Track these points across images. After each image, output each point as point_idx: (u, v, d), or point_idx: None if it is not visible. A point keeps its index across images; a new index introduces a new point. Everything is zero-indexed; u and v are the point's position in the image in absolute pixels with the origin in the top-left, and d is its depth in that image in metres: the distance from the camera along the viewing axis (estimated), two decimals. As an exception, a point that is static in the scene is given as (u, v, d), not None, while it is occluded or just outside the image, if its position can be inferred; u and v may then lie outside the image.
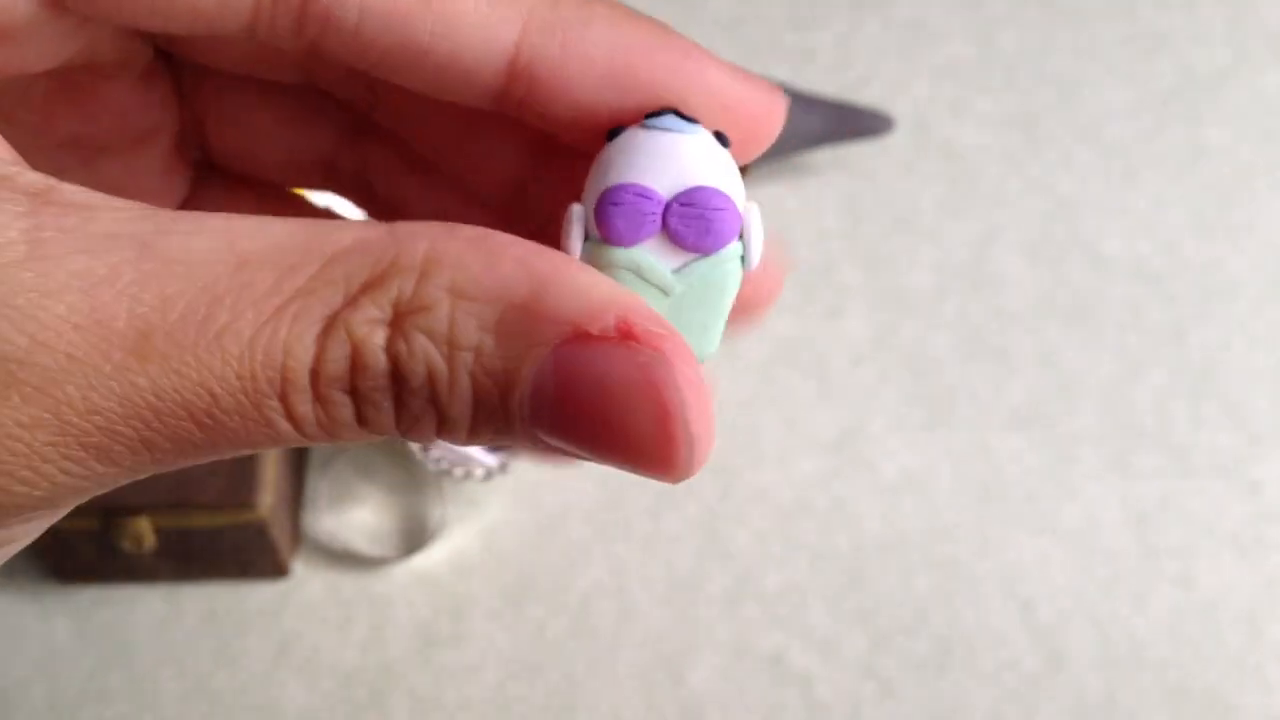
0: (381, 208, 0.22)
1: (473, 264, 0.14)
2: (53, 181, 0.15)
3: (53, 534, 0.50)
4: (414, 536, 0.54)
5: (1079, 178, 0.63)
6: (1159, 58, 0.66)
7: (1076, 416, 0.56)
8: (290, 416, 0.14)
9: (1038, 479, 0.55)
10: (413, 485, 0.55)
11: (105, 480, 0.15)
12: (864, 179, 0.63)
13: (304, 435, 0.15)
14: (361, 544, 0.54)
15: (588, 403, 0.14)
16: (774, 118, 0.17)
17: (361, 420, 0.15)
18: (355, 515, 0.55)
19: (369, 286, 0.14)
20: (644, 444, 0.14)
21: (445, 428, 0.15)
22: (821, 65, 0.67)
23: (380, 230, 0.15)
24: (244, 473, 0.49)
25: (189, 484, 0.49)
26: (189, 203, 0.22)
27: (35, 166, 0.18)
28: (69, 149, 0.20)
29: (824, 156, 0.63)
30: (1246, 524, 0.54)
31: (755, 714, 0.50)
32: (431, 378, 0.14)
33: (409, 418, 0.15)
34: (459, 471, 0.52)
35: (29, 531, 0.16)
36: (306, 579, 0.53)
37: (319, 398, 0.14)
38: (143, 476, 0.15)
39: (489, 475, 0.52)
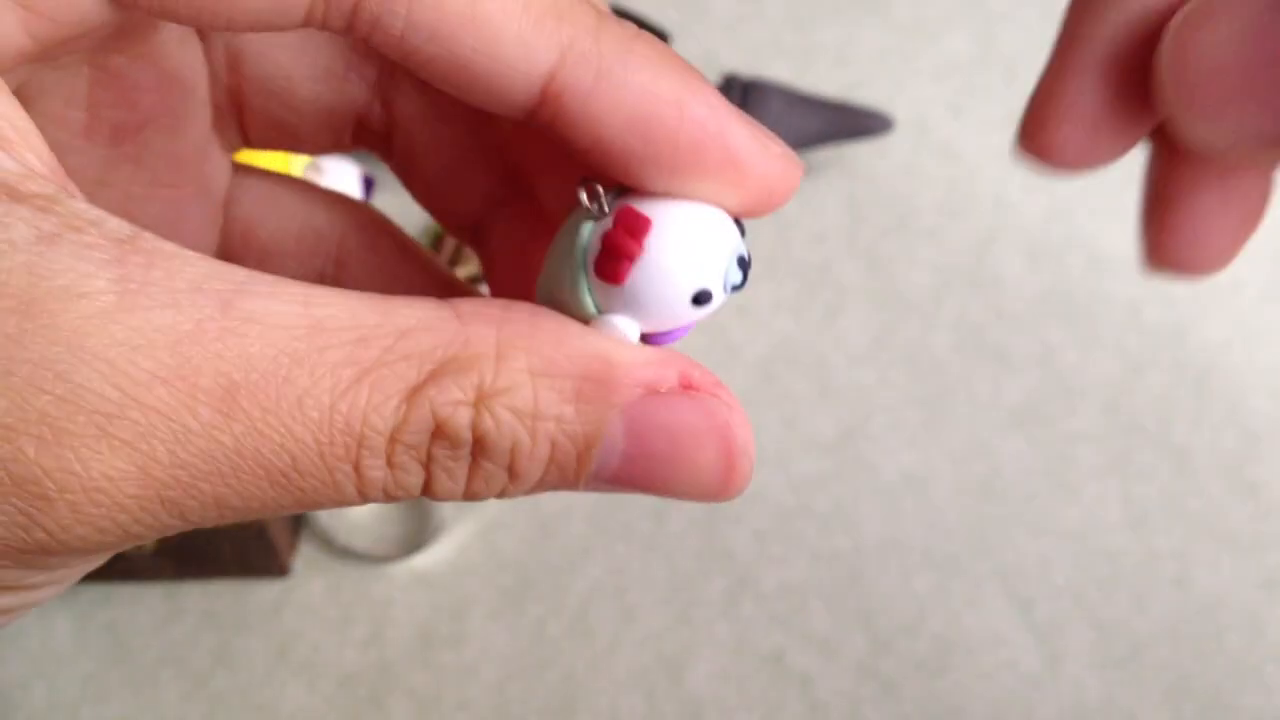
0: (402, 163, 0.23)
1: (544, 345, 0.16)
2: (136, 229, 0.15)
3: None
4: (414, 536, 0.54)
5: (1079, 178, 0.63)
6: (1159, 58, 0.66)
7: (1076, 416, 0.56)
8: (359, 480, 0.15)
9: (1038, 479, 0.55)
10: (413, 485, 0.55)
11: (168, 530, 0.15)
12: (864, 179, 0.63)
13: (365, 497, 0.16)
14: (361, 544, 0.54)
15: (660, 449, 0.16)
16: (788, 188, 0.18)
17: (428, 486, 0.16)
18: (355, 515, 0.55)
19: (448, 367, 0.15)
20: (710, 478, 0.16)
21: (514, 487, 0.16)
22: (821, 65, 0.67)
23: (444, 311, 0.16)
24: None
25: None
26: (234, 200, 0.22)
27: (89, 170, 0.19)
28: (116, 144, 0.20)
29: (824, 156, 0.63)
30: (1246, 524, 0.54)
31: (755, 714, 0.50)
32: (514, 448, 0.16)
33: (480, 481, 0.16)
34: (459, 471, 0.52)
35: (84, 570, 0.16)
36: (306, 579, 0.53)
37: (391, 464, 0.15)
38: (200, 526, 0.16)
39: (489, 475, 0.52)
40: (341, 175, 0.61)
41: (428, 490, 0.16)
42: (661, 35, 0.66)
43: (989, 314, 0.59)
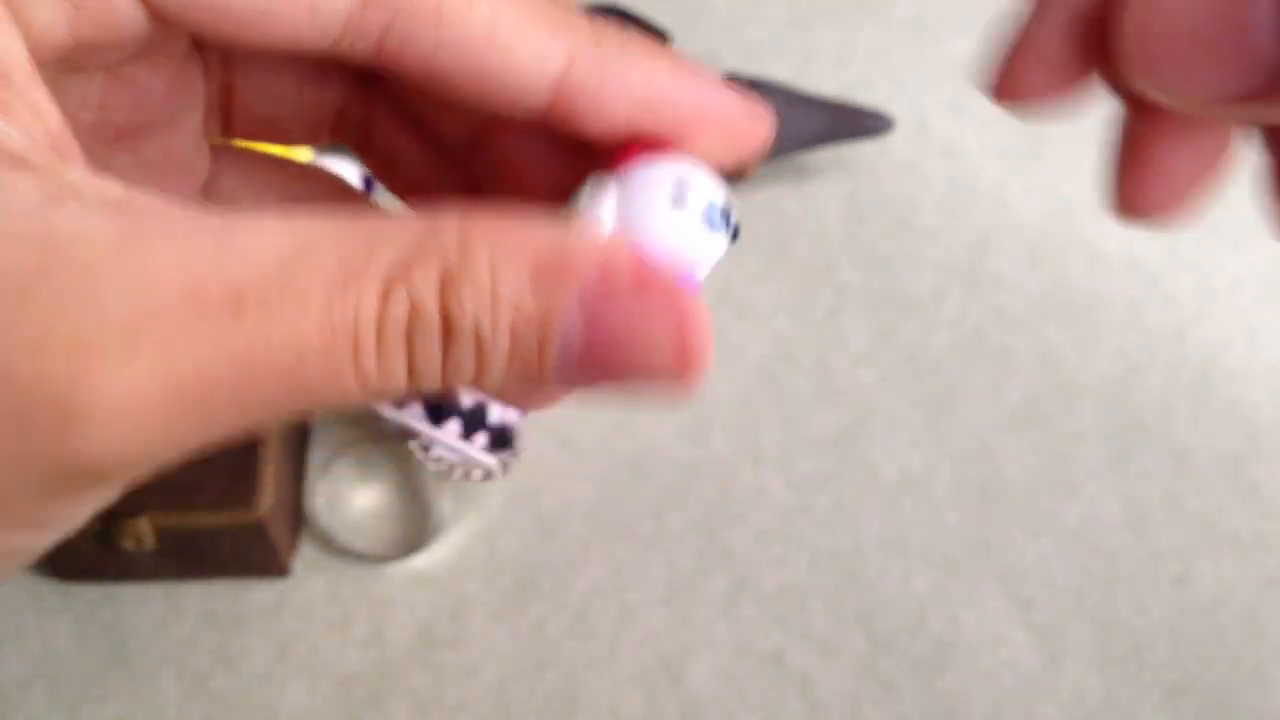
0: (379, 159, 0.24)
1: (503, 235, 0.17)
2: (130, 190, 0.17)
3: (53, 534, 0.50)
4: (414, 536, 0.54)
5: (1079, 178, 0.63)
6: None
7: (1076, 416, 0.56)
8: (357, 371, 0.17)
9: (1038, 479, 0.55)
10: (413, 485, 0.55)
11: (190, 443, 0.16)
12: (864, 179, 0.63)
13: (364, 388, 0.17)
14: (361, 544, 0.54)
15: (616, 330, 0.17)
16: (765, 133, 0.21)
17: (411, 373, 0.17)
18: (355, 516, 0.55)
19: (417, 258, 0.17)
20: (668, 359, 0.17)
21: (483, 373, 0.17)
22: (821, 65, 0.67)
23: (416, 217, 0.17)
24: (244, 473, 0.49)
25: (189, 484, 0.49)
26: (213, 178, 0.24)
27: (95, 162, 0.21)
28: (118, 141, 0.22)
29: (824, 156, 0.63)
30: (1246, 524, 0.54)
31: (755, 714, 0.50)
32: (478, 329, 0.17)
33: (453, 366, 0.17)
34: (459, 472, 0.52)
35: (98, 502, 0.17)
36: (306, 579, 0.53)
37: (381, 353, 0.17)
38: (215, 439, 0.17)
39: (489, 475, 0.52)
40: (342, 174, 0.61)
41: (411, 377, 0.17)
42: (661, 35, 0.66)
43: (989, 314, 0.59)
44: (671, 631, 0.52)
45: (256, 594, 0.53)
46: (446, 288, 0.17)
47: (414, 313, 0.17)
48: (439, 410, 0.50)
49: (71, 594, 0.53)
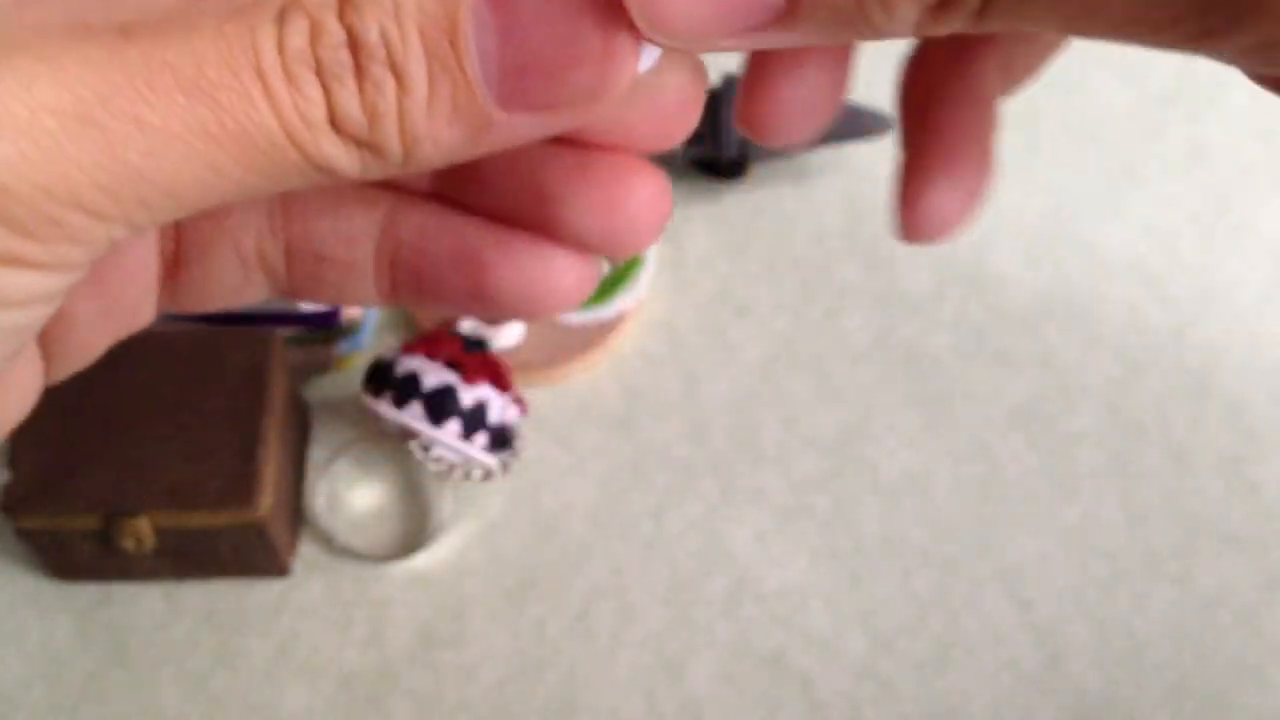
0: None
1: None
2: None
3: (52, 534, 0.50)
4: (414, 536, 0.54)
5: (1079, 178, 0.63)
6: (1159, 58, 0.66)
7: (1076, 416, 0.56)
8: (270, 99, 0.16)
9: (1038, 479, 0.55)
10: (413, 485, 0.55)
11: (100, 180, 0.16)
12: (864, 179, 0.63)
13: (285, 124, 0.16)
14: (361, 544, 0.54)
15: (528, 20, 0.16)
16: None
17: (330, 102, 0.16)
18: (355, 516, 0.55)
19: None
20: (590, 38, 0.16)
21: (406, 93, 0.16)
22: (821, 65, 0.67)
23: None
24: (244, 473, 0.49)
25: (189, 484, 0.49)
26: None
27: None
28: None
29: (824, 156, 0.63)
30: (1246, 524, 0.54)
31: (755, 714, 0.50)
32: (385, 39, 0.16)
33: (371, 89, 0.16)
34: (459, 472, 0.52)
35: (28, 291, 0.16)
36: (306, 579, 0.53)
37: (290, 78, 0.16)
38: (141, 190, 0.16)
39: (489, 475, 0.52)
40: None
41: (331, 109, 0.16)
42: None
43: (989, 314, 0.59)
44: (671, 631, 0.52)
45: (256, 594, 0.53)
46: (344, 4, 0.16)
47: (315, 31, 0.16)
48: (439, 410, 0.50)
49: (71, 594, 0.53)
